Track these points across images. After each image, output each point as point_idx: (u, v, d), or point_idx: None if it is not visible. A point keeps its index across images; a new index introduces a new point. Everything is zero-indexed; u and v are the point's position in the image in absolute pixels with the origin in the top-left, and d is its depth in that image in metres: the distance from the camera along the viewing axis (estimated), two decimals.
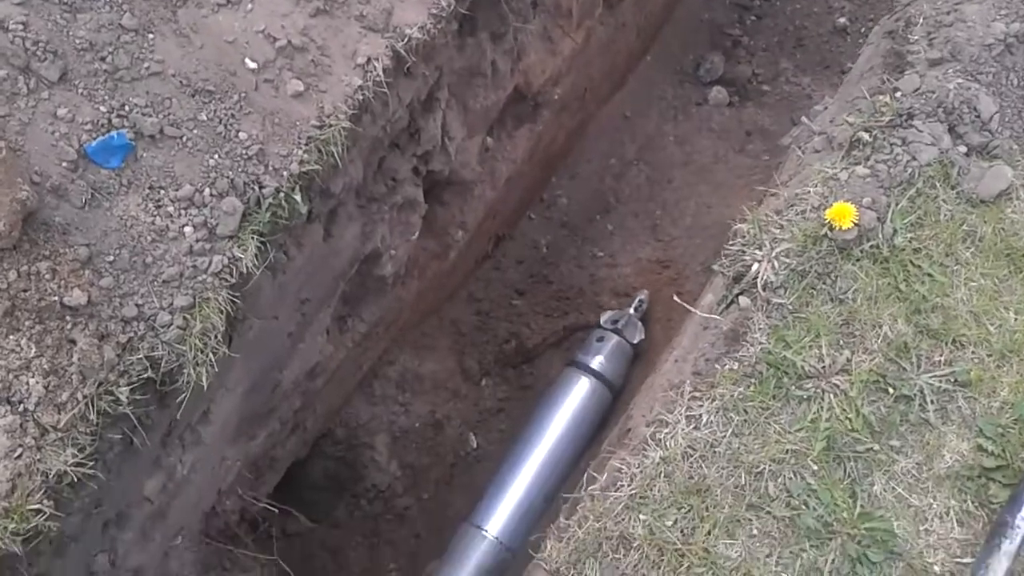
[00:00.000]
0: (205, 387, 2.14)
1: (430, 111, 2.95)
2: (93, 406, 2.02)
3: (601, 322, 3.85)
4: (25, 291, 1.98)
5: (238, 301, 2.20)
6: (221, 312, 2.15)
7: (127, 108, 2.10)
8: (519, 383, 3.99)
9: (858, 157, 2.20)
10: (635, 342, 3.81)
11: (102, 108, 2.08)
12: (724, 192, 4.34)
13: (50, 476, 1.97)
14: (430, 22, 2.41)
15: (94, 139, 2.06)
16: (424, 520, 3.68)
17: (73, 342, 2.02)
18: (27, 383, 1.98)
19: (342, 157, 2.34)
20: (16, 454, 1.96)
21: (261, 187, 2.21)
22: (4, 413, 1.96)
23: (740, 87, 4.62)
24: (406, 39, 2.37)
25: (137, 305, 2.08)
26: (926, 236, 2.07)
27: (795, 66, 4.60)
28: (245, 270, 2.18)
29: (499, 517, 3.46)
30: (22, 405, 1.97)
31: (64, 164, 2.03)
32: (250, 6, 2.23)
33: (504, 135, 3.70)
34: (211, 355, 2.13)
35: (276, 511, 3.12)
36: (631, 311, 3.88)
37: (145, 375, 2.07)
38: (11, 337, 1.97)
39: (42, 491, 1.97)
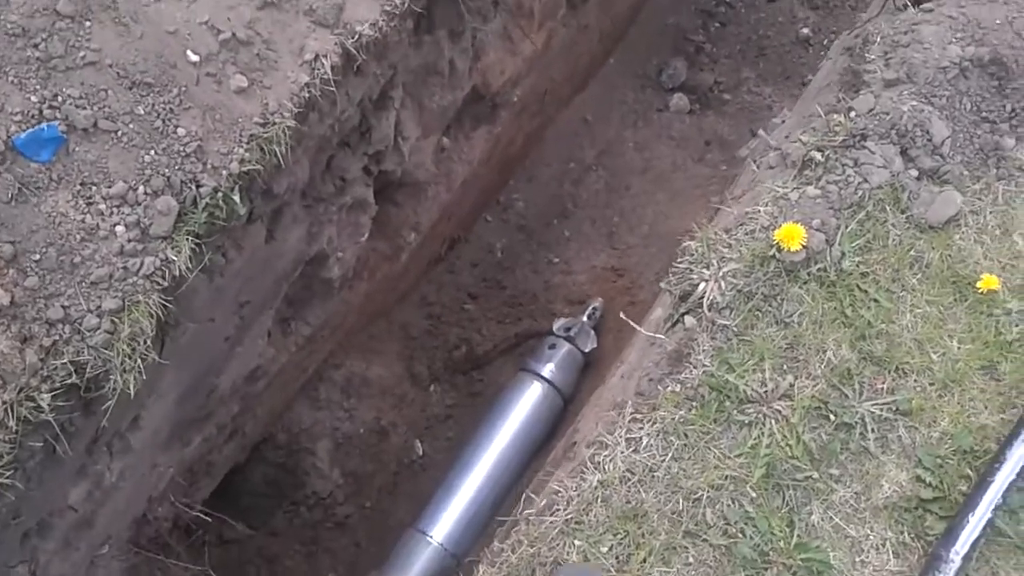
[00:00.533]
0: (132, 395, 2.06)
1: (383, 110, 2.88)
2: (13, 412, 1.93)
3: (554, 329, 3.81)
4: None
5: (170, 305, 2.12)
6: (151, 316, 2.06)
7: (60, 99, 2.01)
8: (468, 390, 3.93)
9: (810, 177, 2.17)
10: (587, 350, 3.78)
11: (33, 98, 1.99)
12: (681, 201, 4.32)
13: None
14: (383, 19, 2.34)
15: (23, 130, 1.97)
16: (365, 529, 3.61)
17: None
18: None
19: (286, 156, 2.27)
20: None
21: (199, 186, 2.13)
22: None
23: (701, 95, 4.61)
24: (357, 36, 2.30)
25: (63, 307, 1.99)
26: (874, 260, 2.05)
27: (757, 75, 4.59)
28: (178, 273, 2.09)
29: (445, 522, 3.41)
30: None
31: (6, 143, 1.94)
32: None
33: (461, 136, 3.64)
34: (140, 361, 2.04)
35: (210, 519, 3.03)
36: (584, 319, 3.85)
37: (69, 381, 1.98)
38: None
39: None
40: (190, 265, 2.11)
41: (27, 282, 1.96)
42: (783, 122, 3.10)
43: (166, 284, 2.09)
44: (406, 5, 2.37)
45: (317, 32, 2.25)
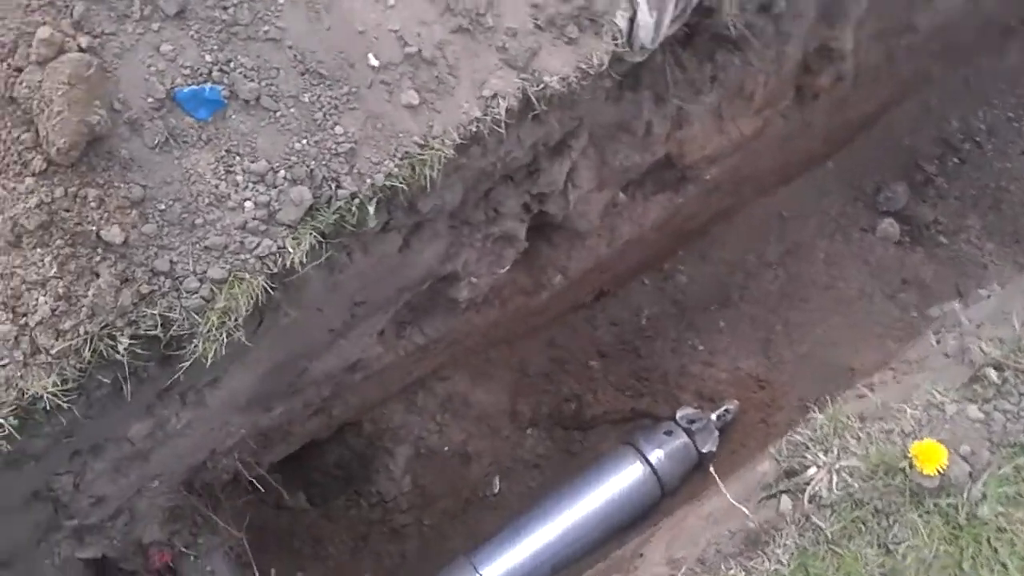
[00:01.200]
0: (208, 363, 2.05)
1: (559, 156, 2.76)
2: (90, 344, 1.96)
3: (677, 416, 3.58)
4: (67, 211, 1.93)
5: (275, 291, 2.09)
6: (250, 296, 2.04)
7: (232, 65, 2.01)
8: (564, 446, 3.77)
9: (978, 394, 1.87)
10: (704, 451, 3.53)
11: (207, 57, 2.00)
12: (855, 335, 3.95)
13: (25, 395, 1.93)
14: (575, 76, 2.21)
15: (188, 85, 1.98)
16: (416, 544, 3.54)
17: (96, 275, 1.96)
18: (37, 299, 1.93)
19: (436, 180, 2.19)
20: (1, 362, 1.93)
21: (338, 187, 2.09)
22: (4, 320, 1.93)
23: (915, 228, 4.20)
24: (542, 86, 2.18)
25: (171, 261, 2.01)
26: (1018, 519, 1.74)
27: (983, 227, 4.13)
28: (291, 263, 2.06)
29: (499, 566, 3.29)
30: (24, 319, 1.94)
31: (150, 100, 1.96)
32: (392, 3, 2.09)
33: (639, 196, 3.47)
34: (224, 336, 2.03)
35: (272, 483, 3.04)
36: (712, 417, 3.60)
37: (153, 332, 1.99)
38: (38, 250, 1.93)
39: (11, 407, 1.93)
40: (305, 259, 2.08)
41: (145, 228, 1.98)
42: (989, 297, 2.74)
43: (276, 270, 2.07)
44: (604, 67, 2.22)
45: (503, 71, 2.14)
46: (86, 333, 1.94)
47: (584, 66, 2.21)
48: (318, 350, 2.63)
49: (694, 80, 2.99)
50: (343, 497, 3.51)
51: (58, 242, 1.92)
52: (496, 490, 3.69)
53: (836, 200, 4.28)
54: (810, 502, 1.79)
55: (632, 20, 2.27)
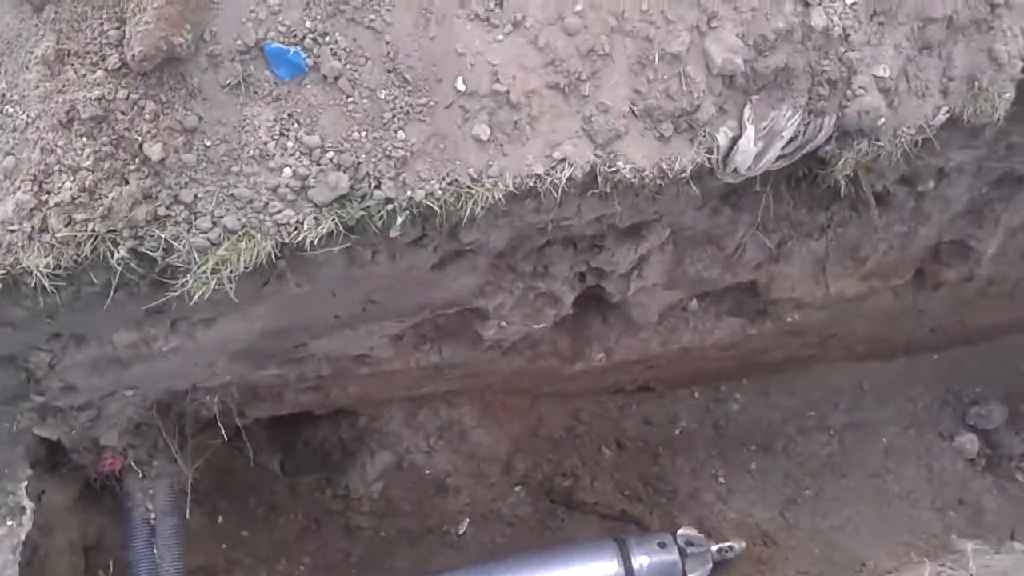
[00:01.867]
0: (191, 304, 2.06)
1: (629, 240, 2.65)
2: (94, 242, 2.00)
3: (677, 533, 3.43)
4: (122, 114, 1.98)
5: (279, 259, 2.09)
6: (253, 256, 2.04)
7: (327, 39, 2.02)
8: (545, 519, 3.65)
9: None
10: None
11: (308, 23, 2.01)
12: (882, 532, 3.70)
13: (18, 265, 1.99)
14: (651, 172, 2.12)
15: (279, 42, 2.00)
16: (364, 550, 3.49)
17: (125, 182, 2.00)
18: (64, 183, 1.99)
19: (477, 217, 2.14)
20: (10, 227, 1.99)
21: (377, 187, 2.07)
22: (27, 190, 1.99)
23: (997, 456, 3.90)
24: (613, 169, 2.09)
25: (196, 195, 2.03)
26: None
27: None
28: (302, 241, 2.05)
29: None
30: (46, 196, 2.00)
31: (238, 43, 1.98)
32: (501, 38, 2.05)
33: (712, 311, 3.31)
34: (215, 283, 2.03)
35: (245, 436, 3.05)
36: (713, 549, 3.42)
37: (153, 253, 2.02)
38: (83, 140, 1.98)
39: (3, 273, 2.00)
40: (318, 242, 2.06)
41: (186, 156, 2.01)
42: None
43: (287, 241, 2.06)
44: (685, 175, 2.11)
45: (580, 141, 2.07)
46: (93, 231, 1.99)
47: (664, 166, 2.11)
48: (320, 330, 2.62)
49: (803, 222, 2.83)
50: (314, 476, 3.49)
51: (103, 139, 1.97)
52: (461, 531, 3.60)
53: (925, 395, 4.01)
54: None
55: (735, 141, 2.15)
